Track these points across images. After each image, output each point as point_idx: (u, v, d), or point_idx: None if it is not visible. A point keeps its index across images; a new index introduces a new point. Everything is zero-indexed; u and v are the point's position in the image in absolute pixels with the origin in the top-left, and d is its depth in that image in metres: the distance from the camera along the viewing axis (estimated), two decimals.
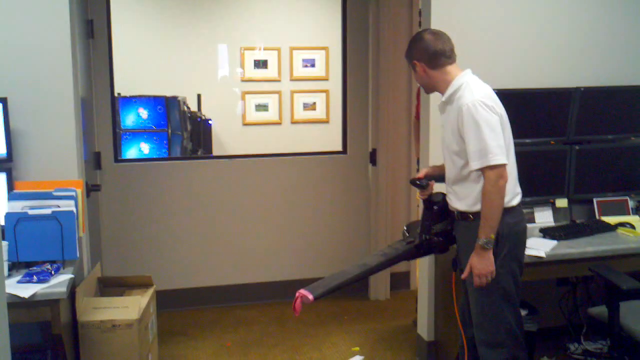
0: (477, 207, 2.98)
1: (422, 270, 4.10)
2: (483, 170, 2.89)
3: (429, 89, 3.18)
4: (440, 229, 3.17)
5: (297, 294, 3.03)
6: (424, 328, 4.09)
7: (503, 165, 2.88)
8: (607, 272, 3.22)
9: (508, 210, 2.97)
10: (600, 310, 3.41)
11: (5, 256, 3.07)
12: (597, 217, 4.00)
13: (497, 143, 2.87)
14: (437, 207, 3.17)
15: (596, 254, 3.52)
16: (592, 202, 4.04)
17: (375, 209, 5.17)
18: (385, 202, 5.17)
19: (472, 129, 2.88)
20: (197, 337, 4.52)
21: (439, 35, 3.07)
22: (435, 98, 3.84)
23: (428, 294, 4.03)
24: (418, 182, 3.23)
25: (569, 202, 4.02)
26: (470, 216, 3.02)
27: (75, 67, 3.55)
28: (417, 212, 5.13)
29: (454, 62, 3.07)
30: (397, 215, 5.29)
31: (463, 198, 3.04)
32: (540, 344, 3.99)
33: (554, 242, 3.57)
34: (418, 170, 4.23)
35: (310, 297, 3.01)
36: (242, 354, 4.27)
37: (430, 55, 3.04)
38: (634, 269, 3.54)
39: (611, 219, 3.92)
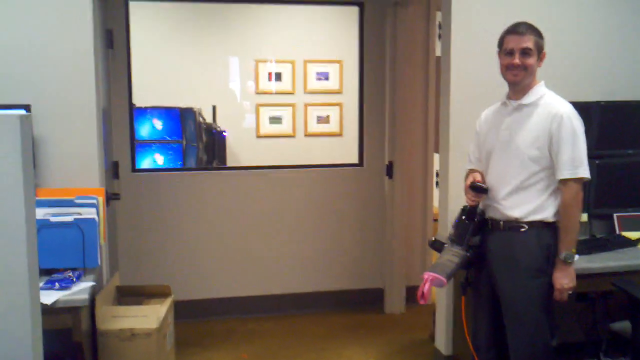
0: (533, 217, 2.96)
1: None
2: (568, 181, 2.89)
3: (523, 83, 3.02)
4: (474, 243, 3.12)
5: (426, 277, 2.93)
6: (442, 342, 4.06)
7: (587, 180, 2.92)
8: (631, 287, 3.20)
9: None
10: (623, 326, 3.38)
11: None
12: (617, 232, 3.98)
13: (586, 158, 2.92)
14: (478, 219, 3.11)
15: (618, 268, 3.50)
16: (612, 217, 4.03)
17: (391, 222, 5.14)
18: (401, 215, 5.14)
19: (571, 138, 2.88)
20: (212, 348, 4.49)
21: None
22: (457, 107, 3.86)
23: (446, 307, 4.00)
24: (481, 186, 3.08)
25: (589, 217, 4.01)
26: (525, 225, 2.97)
27: (97, 76, 3.56)
28: (434, 225, 5.13)
29: None
30: (413, 228, 5.28)
31: (520, 205, 2.98)
32: (559, 359, 3.95)
33: (575, 257, 3.53)
34: (437, 183, 4.22)
35: (444, 279, 2.94)
36: None
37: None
38: None
39: (632, 234, 3.90)
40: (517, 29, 3.02)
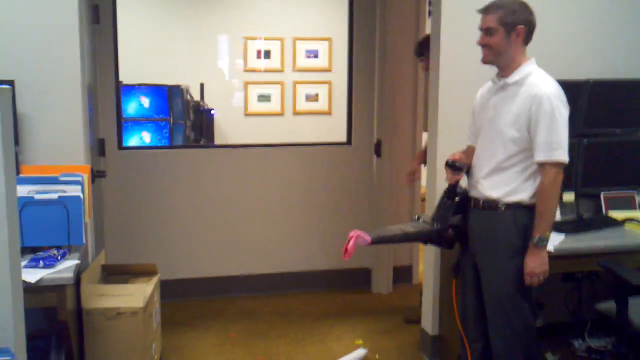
0: (511, 198, 2.95)
1: (428, 264, 4.08)
2: (545, 164, 2.85)
3: (496, 60, 2.97)
4: (456, 222, 3.12)
5: (351, 235, 2.97)
6: (429, 322, 4.06)
7: (564, 164, 2.87)
8: (617, 267, 3.20)
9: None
10: (608, 306, 3.38)
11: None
12: (604, 212, 3.97)
13: (566, 141, 2.87)
14: (458, 198, 3.11)
15: (605, 249, 3.49)
16: (599, 196, 4.02)
17: (379, 200, 5.14)
18: (389, 193, 5.14)
19: (548, 120, 2.82)
20: (200, 328, 4.48)
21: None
22: (446, 86, 3.84)
23: (433, 288, 4.00)
24: (457, 164, 3.09)
25: (576, 196, 4.00)
26: (501, 207, 2.97)
27: (83, 52, 3.50)
28: (422, 205, 5.12)
29: None
30: (401, 207, 5.27)
31: (499, 186, 2.97)
32: (545, 339, 3.98)
33: (561, 236, 3.54)
34: (425, 162, 4.20)
35: (368, 238, 2.97)
36: (246, 345, 4.24)
37: (530, 29, 2.97)
38: None
39: (618, 214, 3.89)
40: (482, 8, 3.00)
